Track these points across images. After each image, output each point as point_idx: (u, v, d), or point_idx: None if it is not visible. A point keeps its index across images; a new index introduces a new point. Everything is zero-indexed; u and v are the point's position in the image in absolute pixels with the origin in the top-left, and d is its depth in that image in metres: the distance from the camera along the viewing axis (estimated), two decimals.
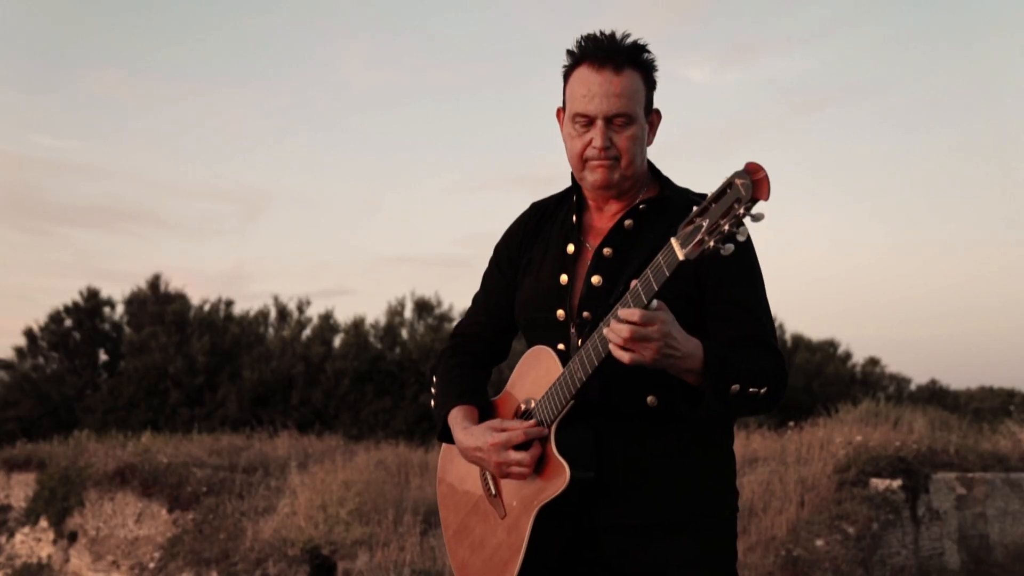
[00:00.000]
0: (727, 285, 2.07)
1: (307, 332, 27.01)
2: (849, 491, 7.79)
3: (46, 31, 38.00)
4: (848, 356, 31.70)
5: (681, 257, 1.77)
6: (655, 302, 1.86)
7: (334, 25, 39.19)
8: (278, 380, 24.73)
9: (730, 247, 1.72)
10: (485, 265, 2.48)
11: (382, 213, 40.98)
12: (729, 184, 1.71)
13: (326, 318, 27.01)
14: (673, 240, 1.79)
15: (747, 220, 1.71)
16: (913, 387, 32.78)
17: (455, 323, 2.43)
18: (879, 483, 7.96)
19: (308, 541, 7.90)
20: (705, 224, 1.74)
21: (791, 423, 10.62)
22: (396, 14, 39.99)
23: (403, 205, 42.21)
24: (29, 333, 26.47)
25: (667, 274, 1.80)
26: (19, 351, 26.42)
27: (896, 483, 7.96)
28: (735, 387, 1.96)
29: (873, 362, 32.54)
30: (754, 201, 1.68)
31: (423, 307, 27.39)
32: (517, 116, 41.53)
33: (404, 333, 26.98)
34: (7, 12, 35.43)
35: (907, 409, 11.64)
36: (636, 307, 1.85)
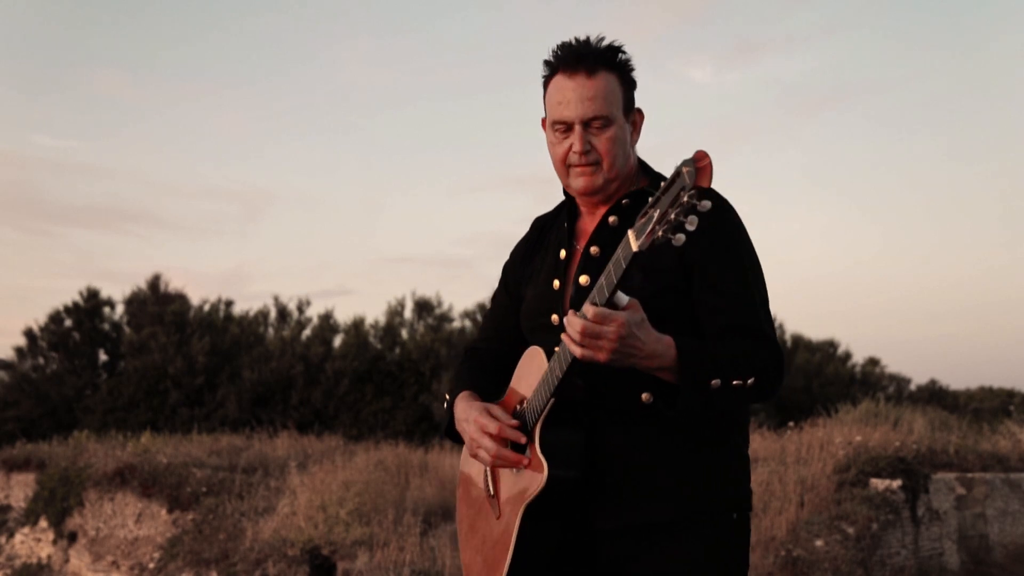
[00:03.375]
0: (711, 274, 2.04)
1: (307, 332, 27.01)
2: (849, 491, 7.79)
3: (46, 31, 38.01)
4: (848, 356, 31.71)
5: (635, 249, 1.73)
6: (626, 300, 1.84)
7: (335, 27, 39.21)
8: (278, 380, 24.73)
9: (681, 237, 1.68)
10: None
11: (382, 213, 41.02)
12: (677, 173, 1.68)
13: (326, 318, 27.00)
14: (629, 232, 1.76)
15: (694, 210, 1.66)
16: (913, 387, 32.80)
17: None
18: (879, 483, 7.96)
19: (308, 541, 7.89)
20: (656, 214, 1.70)
21: (791, 423, 10.61)
22: (398, 16, 40.01)
23: (404, 205, 42.24)
24: (29, 333, 26.47)
25: (623, 267, 1.77)
26: (19, 351, 26.42)
27: (896, 483, 7.96)
28: (715, 382, 1.93)
29: (873, 362, 32.56)
30: (697, 189, 1.65)
31: (423, 307, 27.39)
32: (517, 117, 41.57)
33: (404, 333, 26.98)
34: (7, 12, 35.43)
35: (907, 409, 11.65)
36: (599, 302, 1.83)
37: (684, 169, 1.67)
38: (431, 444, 15.06)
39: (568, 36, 2.15)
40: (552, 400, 2.02)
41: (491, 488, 2.21)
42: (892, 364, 34.90)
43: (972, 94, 42.74)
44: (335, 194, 41.88)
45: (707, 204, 1.65)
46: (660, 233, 1.69)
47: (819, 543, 7.13)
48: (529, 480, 2.05)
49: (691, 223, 1.66)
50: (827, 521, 7.38)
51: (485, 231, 46.56)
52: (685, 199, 1.65)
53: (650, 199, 1.74)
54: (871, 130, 42.93)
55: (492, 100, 41.39)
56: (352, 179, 42.36)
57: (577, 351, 1.86)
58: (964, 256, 46.12)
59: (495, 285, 2.50)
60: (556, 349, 2.01)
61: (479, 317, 27.30)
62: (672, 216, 1.67)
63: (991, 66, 41.84)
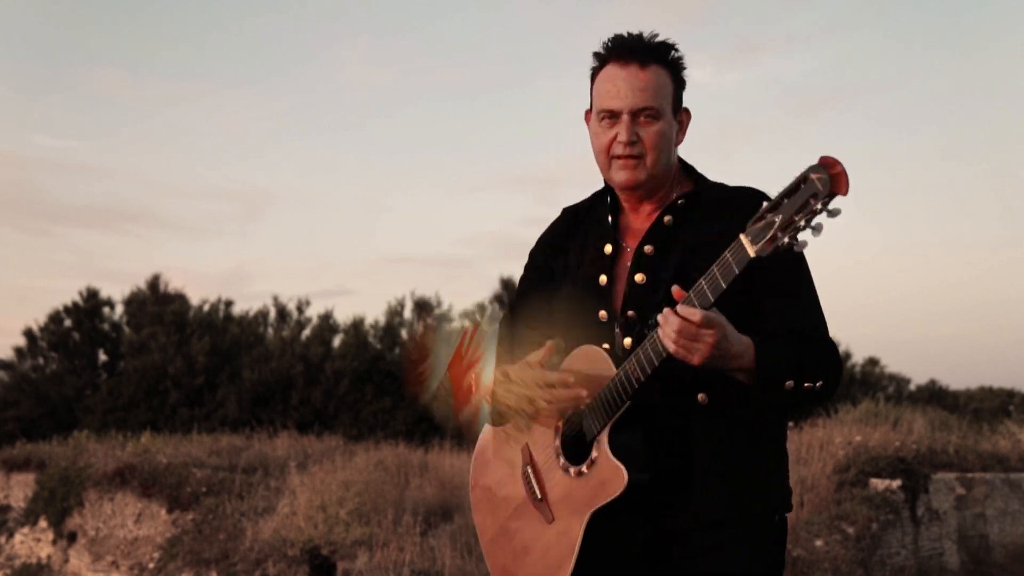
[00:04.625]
0: (773, 276, 2.02)
1: (307, 332, 27.00)
2: (849, 491, 7.79)
3: (46, 31, 38.01)
4: (848, 356, 31.69)
5: (752, 254, 1.75)
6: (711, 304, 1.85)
7: (335, 27, 39.20)
8: (278, 380, 24.72)
9: (805, 242, 1.72)
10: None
11: (382, 213, 41.02)
12: (804, 179, 1.70)
13: (326, 318, 27.00)
14: (742, 236, 1.77)
15: (823, 216, 1.69)
16: (913, 387, 32.83)
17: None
18: (879, 483, 7.96)
19: (308, 541, 7.89)
20: (779, 220, 1.72)
21: (791, 423, 10.61)
22: (398, 16, 40.00)
23: (403, 205, 42.24)
24: (29, 333, 26.47)
25: (736, 272, 1.79)
26: (19, 351, 26.42)
27: (896, 483, 7.96)
28: (789, 384, 1.94)
29: (873, 362, 32.58)
30: (832, 196, 1.67)
31: (423, 307, 27.39)
32: (517, 117, 41.57)
33: (404, 333, 26.97)
34: (7, 12, 35.44)
35: (907, 409, 11.63)
36: (701, 305, 1.84)
37: (814, 176, 1.69)
38: (431, 444, 15.05)
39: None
40: (628, 403, 1.99)
41: (537, 491, 2.15)
42: (892, 364, 34.92)
43: (972, 94, 42.77)
44: (335, 194, 41.89)
45: (839, 211, 1.69)
46: (785, 240, 1.71)
47: (819, 543, 7.12)
48: (600, 484, 2.01)
49: (818, 230, 1.70)
50: (827, 521, 7.38)
51: (485, 231, 46.61)
52: (819, 206, 1.68)
53: (764, 203, 1.75)
54: (871, 130, 42.92)
55: (492, 100, 41.39)
56: (352, 179, 42.37)
57: (672, 347, 1.86)
58: (964, 256, 46.16)
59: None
60: (638, 349, 1.96)
61: (479, 317, 27.29)
62: (801, 223, 1.70)
63: (991, 66, 41.88)
